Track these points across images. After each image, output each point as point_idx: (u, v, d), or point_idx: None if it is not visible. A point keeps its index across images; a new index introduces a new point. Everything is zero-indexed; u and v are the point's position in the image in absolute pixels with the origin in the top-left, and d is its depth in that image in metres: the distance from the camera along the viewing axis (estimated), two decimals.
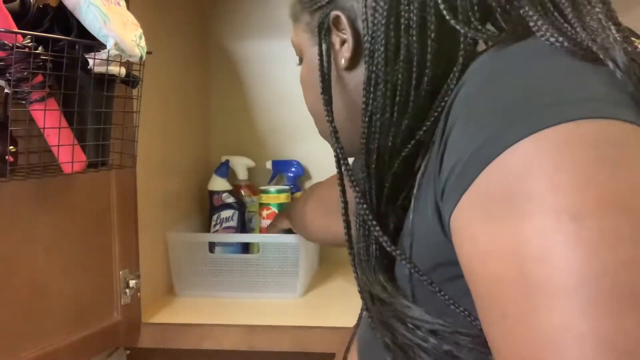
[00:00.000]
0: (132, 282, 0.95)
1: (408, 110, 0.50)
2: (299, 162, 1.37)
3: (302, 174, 1.37)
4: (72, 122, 0.71)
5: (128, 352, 1.03)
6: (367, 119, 0.51)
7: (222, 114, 1.41)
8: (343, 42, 0.54)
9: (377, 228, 0.52)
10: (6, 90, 0.65)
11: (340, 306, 1.09)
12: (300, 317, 1.03)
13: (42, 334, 0.80)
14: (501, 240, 0.36)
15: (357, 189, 0.52)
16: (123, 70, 0.76)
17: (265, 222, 1.21)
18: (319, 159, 1.38)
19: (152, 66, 0.85)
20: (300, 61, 0.62)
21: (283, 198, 1.22)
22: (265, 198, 1.22)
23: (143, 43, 0.75)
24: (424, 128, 0.49)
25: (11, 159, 0.66)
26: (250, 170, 1.36)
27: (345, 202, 0.56)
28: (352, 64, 0.54)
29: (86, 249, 0.87)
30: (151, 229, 1.06)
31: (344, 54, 0.54)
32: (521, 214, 0.35)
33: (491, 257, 0.36)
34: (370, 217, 0.52)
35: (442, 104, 0.48)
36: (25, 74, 0.64)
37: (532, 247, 0.34)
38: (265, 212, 1.22)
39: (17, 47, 0.62)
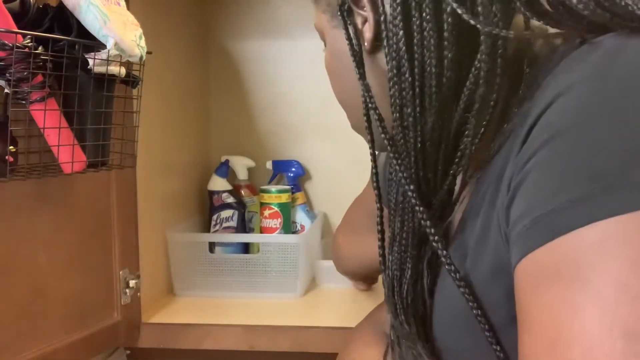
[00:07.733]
0: (132, 282, 0.95)
1: (433, 104, 0.44)
2: (299, 162, 1.37)
3: (302, 174, 1.37)
4: (72, 122, 0.71)
5: (128, 352, 1.03)
6: (397, 111, 0.45)
7: (222, 114, 1.41)
8: (364, 21, 0.48)
9: (430, 226, 0.46)
10: (6, 90, 0.65)
11: (340, 306, 1.09)
12: (300, 317, 1.03)
13: (42, 334, 0.80)
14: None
15: (406, 178, 0.47)
16: (123, 70, 0.76)
17: (267, 222, 1.21)
18: (319, 159, 1.38)
19: (152, 66, 0.84)
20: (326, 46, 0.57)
21: (284, 198, 1.22)
22: (266, 198, 1.22)
23: (143, 43, 0.75)
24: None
25: (11, 159, 0.66)
26: (250, 170, 1.36)
27: (381, 209, 0.52)
28: (375, 46, 0.48)
29: (86, 249, 0.87)
30: (151, 228, 1.06)
31: (366, 35, 0.48)
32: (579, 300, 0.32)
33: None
34: (419, 208, 0.46)
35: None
36: (25, 74, 0.64)
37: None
38: (267, 212, 1.22)
39: (17, 47, 0.62)
